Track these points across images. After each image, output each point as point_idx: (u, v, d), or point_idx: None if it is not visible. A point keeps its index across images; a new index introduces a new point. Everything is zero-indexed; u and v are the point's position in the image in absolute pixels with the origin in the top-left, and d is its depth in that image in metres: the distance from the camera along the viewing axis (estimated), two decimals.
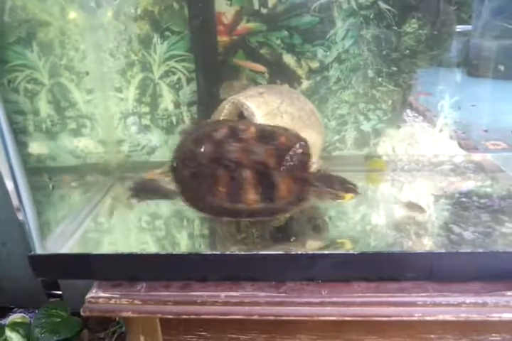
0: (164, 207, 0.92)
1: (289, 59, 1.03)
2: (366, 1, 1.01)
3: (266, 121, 0.89)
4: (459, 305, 0.69)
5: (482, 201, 0.91)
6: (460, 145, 1.13)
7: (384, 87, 1.04)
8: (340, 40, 1.03)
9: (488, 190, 0.97)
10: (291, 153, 0.76)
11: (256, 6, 1.01)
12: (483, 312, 0.68)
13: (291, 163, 0.75)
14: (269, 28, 1.02)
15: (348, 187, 0.81)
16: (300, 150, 0.77)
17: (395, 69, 1.04)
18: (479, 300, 0.69)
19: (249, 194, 0.73)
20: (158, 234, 0.84)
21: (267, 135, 0.78)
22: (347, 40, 1.03)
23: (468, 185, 1.00)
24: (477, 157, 1.09)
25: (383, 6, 1.01)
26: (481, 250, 0.72)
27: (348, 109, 1.06)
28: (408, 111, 1.11)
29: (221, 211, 0.75)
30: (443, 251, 0.73)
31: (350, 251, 0.72)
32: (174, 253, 0.72)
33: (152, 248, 0.81)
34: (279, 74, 1.04)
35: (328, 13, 1.01)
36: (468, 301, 0.69)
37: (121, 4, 0.99)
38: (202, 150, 0.75)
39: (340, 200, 0.82)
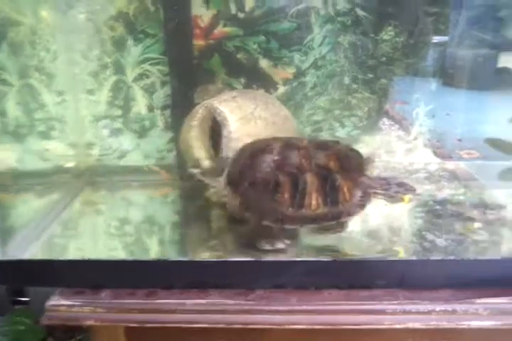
0: (133, 212, 0.90)
1: (265, 64, 1.03)
2: (343, 7, 1.01)
3: (239, 126, 0.88)
4: (428, 312, 0.68)
5: (455, 209, 0.91)
6: (435, 153, 1.13)
7: (360, 94, 1.05)
8: (317, 46, 1.03)
9: (462, 197, 0.97)
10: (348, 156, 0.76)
11: (233, 10, 1.00)
12: (453, 319, 0.68)
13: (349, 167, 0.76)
14: (246, 33, 1.01)
15: (407, 188, 0.80)
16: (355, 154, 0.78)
17: (371, 76, 1.04)
18: (449, 307, 0.68)
19: (313, 199, 0.73)
20: (126, 239, 0.82)
21: (320, 143, 0.79)
22: (324, 46, 1.03)
23: (443, 193, 1.00)
24: (451, 165, 1.10)
25: (360, 13, 1.01)
26: (451, 257, 0.72)
27: (323, 116, 1.05)
28: (384, 119, 1.12)
29: (285, 218, 0.74)
30: (414, 258, 0.72)
31: (321, 259, 0.71)
32: (139, 259, 0.70)
33: (120, 254, 0.79)
34: (256, 80, 1.03)
35: (306, 19, 1.01)
36: (438, 309, 0.68)
37: (95, 5, 0.97)
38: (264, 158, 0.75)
39: (400, 203, 0.80)
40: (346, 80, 1.04)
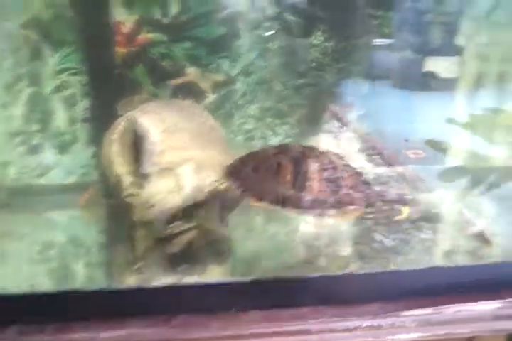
0: (52, 235, 0.85)
1: (192, 72, 0.99)
2: (272, 12, 0.99)
3: (163, 138, 0.84)
4: (355, 329, 0.67)
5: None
6: (381, 155, 1.13)
7: (291, 101, 1.03)
8: (246, 52, 1.00)
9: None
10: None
11: (157, 16, 0.96)
12: (378, 334, 0.67)
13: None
14: (171, 39, 0.97)
15: (405, 198, 0.81)
16: None
17: (301, 82, 1.02)
18: (375, 323, 0.67)
19: (314, 183, 0.75)
20: (44, 266, 0.78)
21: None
22: (253, 52, 1.00)
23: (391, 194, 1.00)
24: (398, 166, 1.10)
25: (289, 17, 0.99)
26: (378, 270, 0.71)
27: (254, 124, 1.03)
28: (334, 121, 1.11)
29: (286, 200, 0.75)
30: (339, 273, 0.71)
31: (242, 279, 0.68)
32: (49, 291, 0.65)
33: (37, 283, 0.74)
34: (183, 89, 1.00)
35: (234, 25, 0.98)
36: (364, 325, 0.67)
37: (5, 9, 0.91)
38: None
39: (399, 217, 0.80)
40: (277, 87, 1.02)
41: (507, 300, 0.72)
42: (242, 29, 0.98)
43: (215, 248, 0.90)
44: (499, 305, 0.71)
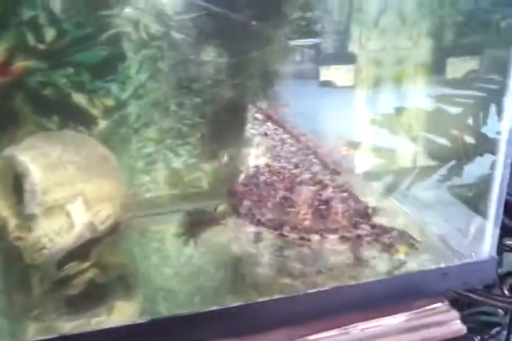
0: None
1: (79, 98, 0.93)
2: (157, 31, 0.95)
3: (46, 175, 0.78)
4: None
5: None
6: (316, 153, 1.12)
7: (189, 120, 0.99)
8: (135, 73, 0.95)
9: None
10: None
11: (31, 42, 0.89)
12: None
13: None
14: (50, 66, 0.91)
15: (410, 242, 0.76)
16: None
17: (198, 100, 0.99)
18: None
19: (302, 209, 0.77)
20: None
21: None
22: (142, 73, 0.95)
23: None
24: (332, 164, 1.09)
25: (177, 35, 0.96)
26: (279, 296, 0.69)
27: (154, 147, 0.98)
28: (269, 123, 1.10)
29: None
30: (240, 303, 0.67)
31: (139, 321, 0.64)
32: None
33: None
34: (71, 117, 0.93)
35: (118, 46, 0.93)
36: None
37: None
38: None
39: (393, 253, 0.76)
40: (173, 107, 0.98)
41: (414, 311, 0.71)
42: (128, 50, 0.94)
43: (121, 283, 0.85)
44: (407, 318, 0.71)
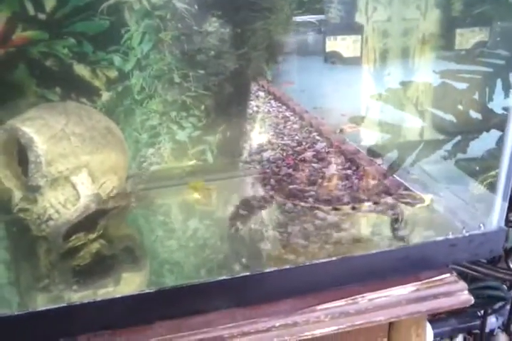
0: None
1: (81, 70, 0.92)
2: (159, 0, 0.92)
3: (50, 146, 0.76)
4: (268, 330, 0.64)
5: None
6: (319, 131, 1.11)
7: (194, 92, 0.97)
8: (138, 44, 0.93)
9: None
10: None
11: (31, 12, 0.87)
12: (294, 332, 0.65)
13: None
14: (52, 36, 0.89)
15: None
16: None
17: (202, 72, 0.97)
18: (289, 320, 0.65)
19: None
20: None
21: None
22: (145, 44, 0.93)
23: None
24: (336, 141, 1.08)
25: (179, 5, 0.93)
26: (287, 266, 0.68)
27: (158, 120, 0.97)
28: (272, 101, 1.12)
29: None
30: (245, 274, 0.67)
31: (146, 290, 0.64)
32: None
33: None
34: (74, 88, 0.92)
35: (119, 16, 0.91)
36: (277, 324, 0.65)
37: None
38: None
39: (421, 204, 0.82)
40: (176, 79, 0.96)
41: (423, 281, 0.71)
42: (130, 20, 0.91)
43: (128, 255, 0.85)
44: (415, 288, 0.70)
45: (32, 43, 0.88)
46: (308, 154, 1.06)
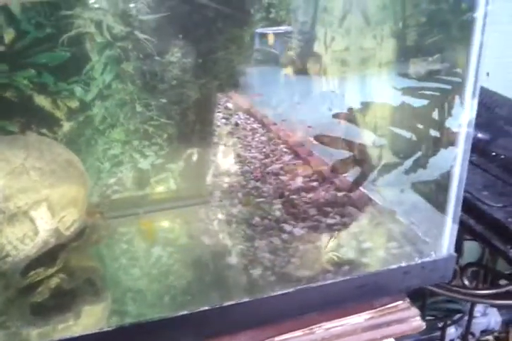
0: None
1: (42, 101, 0.92)
2: (121, 31, 0.93)
3: (8, 182, 0.76)
4: None
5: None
6: (287, 143, 1.13)
7: (156, 121, 0.99)
8: (99, 75, 0.94)
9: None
10: None
11: None
12: None
13: None
14: (11, 68, 0.89)
15: None
16: None
17: (164, 101, 0.98)
18: None
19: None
20: None
21: None
22: (106, 74, 0.94)
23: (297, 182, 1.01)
24: (304, 153, 1.11)
25: (141, 35, 0.95)
26: (246, 299, 0.70)
27: (121, 149, 0.98)
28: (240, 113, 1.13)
29: None
30: (207, 307, 0.68)
31: (104, 328, 0.64)
32: None
33: None
34: (34, 119, 0.92)
35: (80, 47, 0.92)
36: None
37: None
38: None
39: None
40: (138, 108, 0.97)
41: (377, 309, 0.74)
42: (91, 51, 0.92)
43: (89, 287, 0.85)
44: (369, 316, 0.73)
45: None
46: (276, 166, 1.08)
